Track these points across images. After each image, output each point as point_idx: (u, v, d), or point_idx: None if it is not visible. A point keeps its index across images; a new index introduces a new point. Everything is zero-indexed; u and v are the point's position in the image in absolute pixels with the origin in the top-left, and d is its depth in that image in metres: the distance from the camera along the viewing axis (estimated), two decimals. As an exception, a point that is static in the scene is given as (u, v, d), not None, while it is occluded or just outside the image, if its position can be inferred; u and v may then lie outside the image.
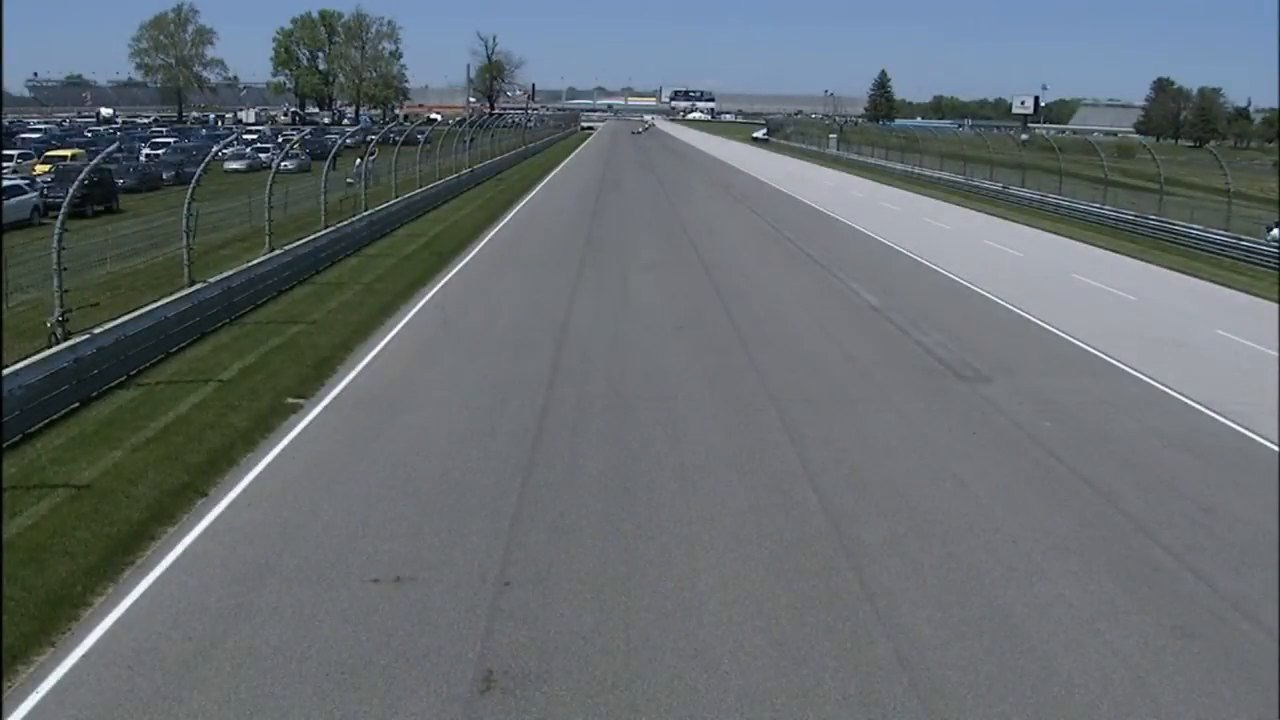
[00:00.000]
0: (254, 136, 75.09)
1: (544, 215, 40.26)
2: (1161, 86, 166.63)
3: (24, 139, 62.74)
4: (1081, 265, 29.93)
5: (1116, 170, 48.94)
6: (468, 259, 28.19)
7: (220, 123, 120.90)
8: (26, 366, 12.83)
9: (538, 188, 52.96)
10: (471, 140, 58.72)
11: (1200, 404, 15.46)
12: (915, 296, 23.75)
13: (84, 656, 7.96)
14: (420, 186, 40.88)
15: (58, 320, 14.34)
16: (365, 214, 30.86)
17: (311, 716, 7.26)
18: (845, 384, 16.23)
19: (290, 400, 14.46)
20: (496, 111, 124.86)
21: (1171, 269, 30.10)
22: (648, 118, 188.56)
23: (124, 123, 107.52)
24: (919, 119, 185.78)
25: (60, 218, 14.82)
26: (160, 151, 57.20)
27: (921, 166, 67.63)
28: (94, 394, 14.17)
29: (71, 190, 15.53)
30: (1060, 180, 48.11)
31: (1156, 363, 17.81)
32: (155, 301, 17.07)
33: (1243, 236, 33.04)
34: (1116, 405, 15.32)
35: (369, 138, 58.07)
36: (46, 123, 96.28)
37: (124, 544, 9.80)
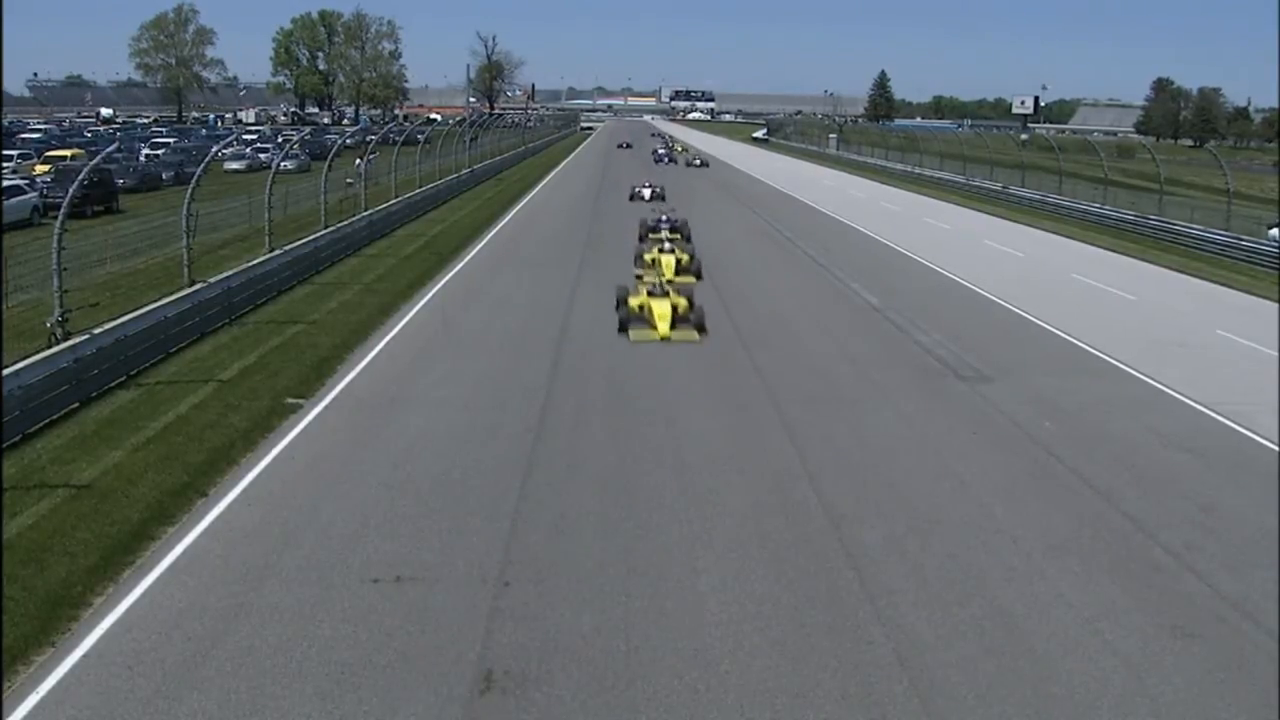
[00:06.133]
0: (254, 136, 75.10)
1: (544, 215, 40.25)
2: (1161, 86, 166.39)
3: (24, 139, 62.78)
4: (1081, 265, 29.93)
5: (1116, 170, 48.95)
6: (467, 259, 28.19)
7: (220, 123, 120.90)
8: (26, 366, 12.85)
9: (537, 188, 52.94)
10: (471, 140, 58.70)
11: (1200, 404, 15.45)
12: (915, 296, 23.73)
13: (84, 656, 7.97)
14: (420, 187, 40.88)
15: (58, 320, 14.35)
16: (365, 214, 30.89)
17: (311, 716, 7.26)
18: (845, 384, 16.23)
19: (290, 400, 14.46)
20: (496, 112, 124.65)
21: (1172, 269, 30.10)
22: (647, 117, 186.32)
23: (124, 123, 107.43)
24: (919, 119, 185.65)
25: (60, 218, 14.83)
26: (160, 151, 57.19)
27: (921, 166, 67.65)
28: (94, 394, 14.17)
29: (71, 190, 15.53)
30: (1060, 180, 48.10)
31: (1157, 363, 17.80)
32: (155, 301, 17.08)
33: (1243, 236, 33.02)
34: (1116, 405, 15.31)
35: (369, 138, 58.07)
36: (46, 123, 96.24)
37: (124, 544, 9.80)
